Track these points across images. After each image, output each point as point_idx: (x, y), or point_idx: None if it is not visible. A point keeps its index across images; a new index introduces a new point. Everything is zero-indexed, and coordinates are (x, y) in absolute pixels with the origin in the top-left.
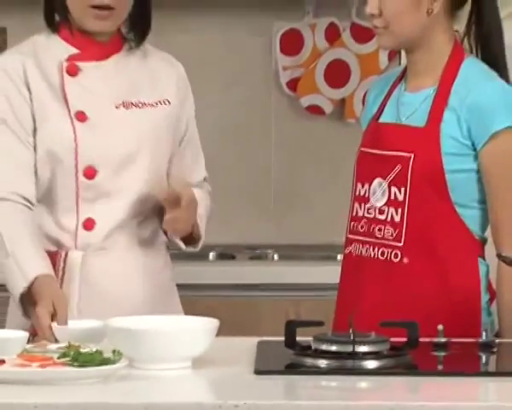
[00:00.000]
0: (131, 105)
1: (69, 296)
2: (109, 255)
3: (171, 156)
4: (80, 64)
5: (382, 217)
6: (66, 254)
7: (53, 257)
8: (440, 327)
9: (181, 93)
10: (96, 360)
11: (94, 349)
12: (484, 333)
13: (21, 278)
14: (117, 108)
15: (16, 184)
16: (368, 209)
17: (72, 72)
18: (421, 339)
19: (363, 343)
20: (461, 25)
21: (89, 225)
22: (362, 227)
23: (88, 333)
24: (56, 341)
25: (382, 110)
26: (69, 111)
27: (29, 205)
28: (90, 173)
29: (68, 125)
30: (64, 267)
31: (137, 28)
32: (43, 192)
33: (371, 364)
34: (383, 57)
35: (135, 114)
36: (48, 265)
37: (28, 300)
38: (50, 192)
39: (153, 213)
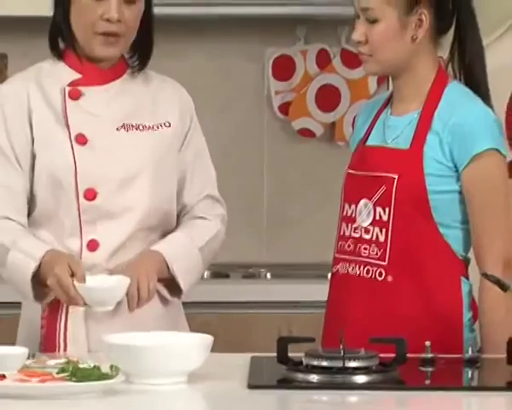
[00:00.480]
0: (132, 127)
1: (77, 319)
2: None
3: (182, 174)
4: (83, 88)
5: (368, 236)
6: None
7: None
8: (428, 343)
9: (183, 115)
10: (94, 375)
11: (92, 365)
12: (469, 349)
13: (30, 260)
14: (118, 130)
15: (7, 209)
16: (354, 229)
17: (75, 95)
18: (408, 355)
19: (353, 359)
20: (445, 51)
21: (92, 246)
22: (349, 246)
23: (107, 290)
24: (84, 303)
25: (369, 133)
26: (69, 134)
27: (19, 225)
28: (91, 195)
29: (68, 149)
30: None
31: (140, 54)
32: (47, 215)
33: (361, 379)
34: (372, 82)
35: (135, 137)
36: (49, 247)
37: (39, 282)
38: (54, 215)
39: (155, 231)
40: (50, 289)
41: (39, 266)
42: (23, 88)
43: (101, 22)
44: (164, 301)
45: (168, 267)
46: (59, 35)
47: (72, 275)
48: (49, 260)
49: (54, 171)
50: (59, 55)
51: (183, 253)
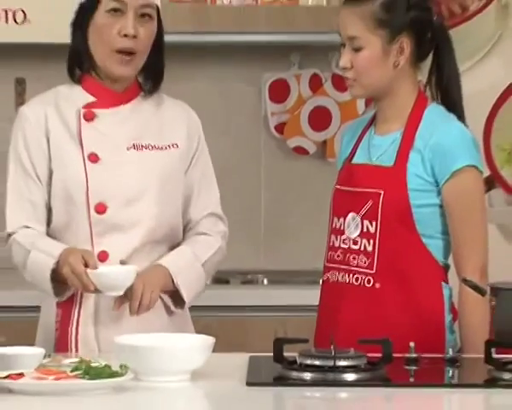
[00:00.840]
0: (141, 147)
1: (87, 323)
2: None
3: (188, 192)
4: (96, 111)
5: (356, 247)
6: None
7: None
8: (412, 344)
9: (191, 137)
10: (105, 373)
11: (103, 364)
12: (449, 350)
13: (49, 259)
14: (128, 149)
15: (26, 219)
16: (343, 240)
17: (89, 117)
18: (394, 355)
19: (343, 358)
20: (424, 75)
21: (103, 256)
22: (338, 256)
23: (116, 275)
24: (96, 289)
25: (355, 152)
26: (83, 153)
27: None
28: (101, 209)
29: (81, 166)
30: (81, 298)
31: (152, 77)
32: (62, 226)
33: (350, 377)
34: (360, 104)
35: (144, 156)
36: (60, 244)
37: (58, 279)
38: (68, 226)
39: (162, 244)
40: (68, 285)
41: (57, 263)
42: (42, 111)
43: (118, 38)
44: (169, 311)
45: (173, 281)
46: (76, 62)
47: (86, 265)
48: (65, 256)
49: (68, 186)
50: (76, 80)
51: (187, 267)
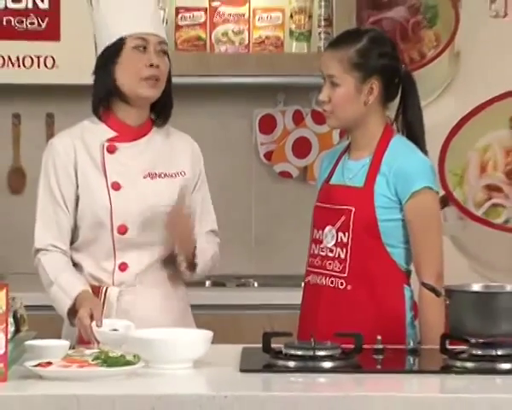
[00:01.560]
0: (156, 176)
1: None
2: (139, 290)
3: (193, 212)
4: (118, 144)
5: (332, 254)
6: (106, 290)
7: (95, 291)
8: (379, 337)
9: (194, 166)
10: (121, 362)
11: (119, 354)
12: (411, 342)
13: (66, 299)
14: (144, 178)
15: (53, 238)
16: (321, 249)
17: (111, 150)
18: (364, 346)
19: (321, 349)
20: (391, 111)
21: (123, 267)
22: (317, 262)
23: (113, 337)
24: (96, 340)
25: (332, 174)
26: (107, 182)
27: (64, 253)
28: (123, 230)
29: (105, 194)
30: (104, 299)
31: (162, 113)
32: (87, 243)
33: (327, 364)
34: (336, 135)
35: (158, 183)
36: (85, 283)
37: (73, 313)
38: (93, 243)
39: (171, 258)
40: None
41: (74, 301)
42: (71, 143)
43: (145, 69)
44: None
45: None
46: (101, 98)
47: (92, 317)
48: (79, 302)
49: (94, 210)
50: (99, 117)
51: (203, 248)
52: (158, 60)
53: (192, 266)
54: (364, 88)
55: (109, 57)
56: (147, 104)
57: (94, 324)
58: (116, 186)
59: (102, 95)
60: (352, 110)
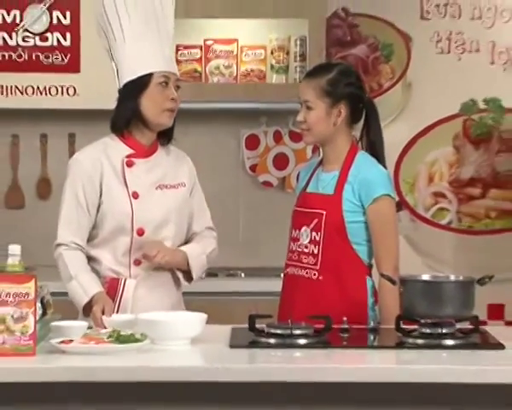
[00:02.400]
0: (164, 187)
1: (127, 303)
2: (150, 281)
3: (190, 217)
4: (134, 159)
5: (307, 250)
6: (124, 281)
7: (114, 282)
8: (345, 319)
9: (191, 177)
10: (131, 339)
11: (129, 333)
12: (371, 322)
13: (84, 295)
14: (156, 189)
15: (74, 235)
16: (298, 246)
17: (130, 164)
18: (333, 326)
19: (297, 329)
20: (357, 131)
21: (137, 262)
22: (295, 257)
23: (123, 323)
24: (105, 328)
25: (308, 184)
26: (128, 191)
27: (82, 249)
28: (140, 232)
29: (127, 202)
30: (122, 289)
31: (167, 135)
32: (107, 242)
33: (302, 341)
34: (309, 151)
35: (165, 194)
36: (100, 285)
37: (87, 308)
38: (112, 242)
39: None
40: None
41: (90, 299)
42: (97, 158)
43: (167, 101)
44: (178, 284)
45: (188, 263)
46: (124, 121)
47: (103, 311)
48: (95, 299)
49: (115, 215)
50: (120, 136)
51: (198, 255)
52: (176, 94)
53: (188, 274)
54: (333, 111)
55: (136, 88)
56: (161, 129)
57: (104, 316)
58: (135, 195)
59: (126, 118)
60: (323, 129)
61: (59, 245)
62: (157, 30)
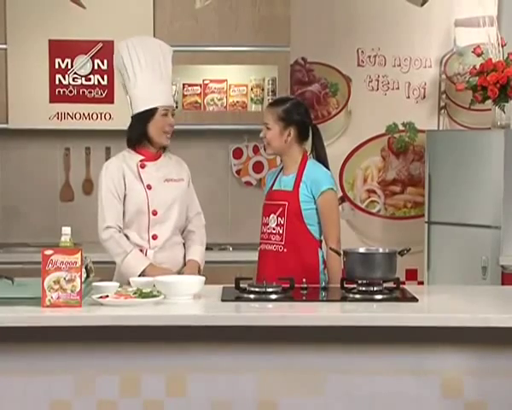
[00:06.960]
0: (170, 181)
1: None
2: (164, 251)
3: (187, 203)
4: (146, 163)
5: (274, 232)
6: (146, 251)
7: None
8: (304, 280)
9: (187, 176)
10: (150, 295)
11: (148, 290)
12: (323, 283)
13: (141, 265)
14: (164, 182)
15: (116, 220)
16: (268, 228)
17: (143, 166)
18: (295, 286)
19: (270, 287)
20: (308, 146)
21: (155, 237)
22: (265, 236)
23: (145, 283)
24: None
25: (274, 184)
26: (143, 185)
27: (121, 230)
28: (155, 213)
29: (143, 193)
30: (145, 256)
31: (163, 147)
32: (131, 222)
33: (273, 296)
34: (278, 160)
35: (171, 185)
36: (148, 259)
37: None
38: (136, 222)
39: (180, 229)
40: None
41: (145, 268)
42: (120, 165)
43: (167, 126)
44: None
45: (199, 269)
46: (137, 139)
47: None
48: (148, 269)
49: (136, 202)
50: (134, 150)
51: (202, 260)
52: (173, 121)
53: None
54: (285, 132)
55: (145, 117)
56: (161, 146)
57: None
58: (149, 187)
59: (137, 139)
60: (278, 145)
61: (108, 227)
62: (160, 74)
